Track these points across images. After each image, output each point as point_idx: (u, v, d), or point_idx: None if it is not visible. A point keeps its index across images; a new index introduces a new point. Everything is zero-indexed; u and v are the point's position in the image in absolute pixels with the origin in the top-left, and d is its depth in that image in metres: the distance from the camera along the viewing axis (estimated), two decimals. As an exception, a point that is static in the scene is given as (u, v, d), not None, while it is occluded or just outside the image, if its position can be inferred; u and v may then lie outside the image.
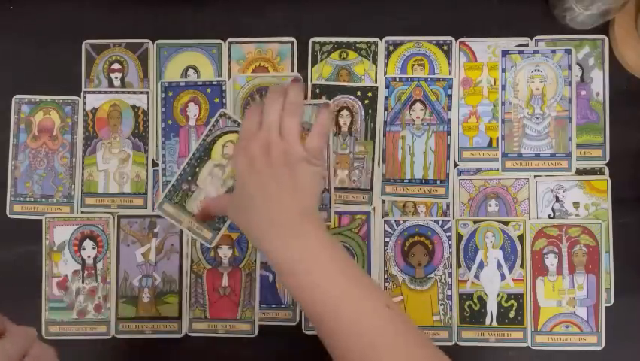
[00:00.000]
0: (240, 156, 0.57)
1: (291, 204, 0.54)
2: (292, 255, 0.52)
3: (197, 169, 0.63)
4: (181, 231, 0.64)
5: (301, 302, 0.52)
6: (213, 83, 0.65)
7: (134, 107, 0.65)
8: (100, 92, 0.66)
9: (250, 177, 0.55)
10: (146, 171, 0.65)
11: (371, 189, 0.64)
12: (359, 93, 0.64)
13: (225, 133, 0.63)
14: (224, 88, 0.65)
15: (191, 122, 0.65)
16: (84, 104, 0.66)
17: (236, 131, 0.63)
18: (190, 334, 0.64)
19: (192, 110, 0.65)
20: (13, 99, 0.66)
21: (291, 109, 0.57)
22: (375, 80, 0.65)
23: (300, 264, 0.52)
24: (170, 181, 0.64)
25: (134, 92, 0.65)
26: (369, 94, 0.64)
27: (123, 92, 0.66)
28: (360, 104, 0.64)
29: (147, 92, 0.65)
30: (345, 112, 0.64)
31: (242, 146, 0.57)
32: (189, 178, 0.63)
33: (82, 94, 0.66)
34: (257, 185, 0.55)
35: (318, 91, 0.64)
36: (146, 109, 0.65)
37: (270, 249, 0.53)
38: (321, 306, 0.51)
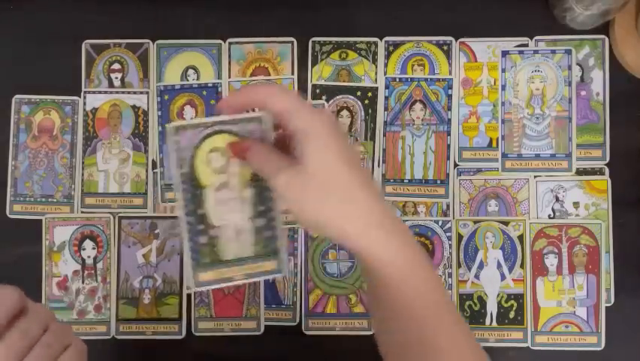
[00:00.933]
0: (335, 136, 0.43)
1: (386, 204, 0.45)
2: (398, 255, 0.44)
3: (199, 210, 0.45)
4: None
5: (393, 304, 0.44)
6: (209, 85, 0.65)
7: (134, 107, 0.65)
8: (100, 92, 0.66)
9: (348, 166, 0.43)
10: (146, 171, 0.65)
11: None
12: (359, 93, 0.64)
13: (200, 143, 0.45)
14: (220, 90, 0.65)
15: (189, 125, 0.65)
16: (84, 104, 0.65)
17: (220, 132, 0.45)
18: (196, 333, 0.64)
19: (189, 112, 0.65)
20: (13, 99, 0.66)
21: None
22: (375, 80, 0.65)
23: (406, 264, 0.44)
24: (169, 185, 0.64)
25: (134, 92, 0.65)
26: (369, 94, 0.64)
27: (123, 92, 0.66)
28: (360, 104, 0.64)
29: (147, 92, 0.65)
30: (345, 112, 0.64)
31: (333, 121, 0.44)
32: (201, 227, 0.45)
33: (82, 94, 0.66)
34: (353, 178, 0.43)
35: (318, 91, 0.64)
36: (146, 109, 0.65)
37: (369, 247, 0.43)
38: (417, 312, 0.44)
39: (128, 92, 0.66)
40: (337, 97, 0.64)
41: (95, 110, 0.65)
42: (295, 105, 0.43)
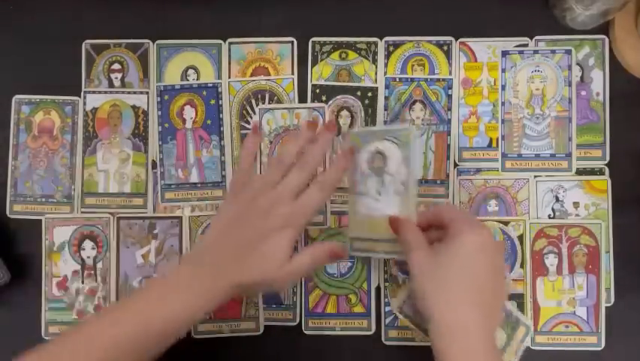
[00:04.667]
0: (493, 248, 0.52)
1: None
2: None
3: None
4: (181, 232, 0.64)
5: None
6: (209, 85, 0.65)
7: (134, 107, 0.65)
8: (100, 92, 0.66)
9: (492, 274, 0.52)
10: (146, 171, 0.65)
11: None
12: (359, 93, 0.64)
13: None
14: (220, 90, 0.65)
15: (188, 125, 0.65)
16: (84, 104, 0.65)
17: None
18: (195, 336, 0.64)
19: (189, 112, 0.65)
20: (13, 99, 0.66)
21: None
22: (375, 80, 0.65)
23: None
24: (169, 185, 0.64)
25: (134, 92, 0.65)
26: (369, 94, 0.64)
27: (123, 92, 0.66)
28: (360, 104, 0.64)
29: (147, 92, 0.65)
30: (345, 112, 0.64)
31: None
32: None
33: (82, 94, 0.66)
34: (488, 286, 0.51)
35: (317, 91, 0.64)
36: (146, 109, 0.65)
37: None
38: None
39: (128, 92, 0.66)
40: (337, 97, 0.64)
41: (95, 110, 0.65)
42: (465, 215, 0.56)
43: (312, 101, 0.64)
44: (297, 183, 0.55)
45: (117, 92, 0.66)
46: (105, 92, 0.66)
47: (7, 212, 0.65)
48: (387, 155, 0.57)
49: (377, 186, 0.58)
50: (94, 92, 0.66)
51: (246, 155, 0.61)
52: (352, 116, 0.64)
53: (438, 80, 0.64)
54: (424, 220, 0.56)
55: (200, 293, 0.51)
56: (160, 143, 0.65)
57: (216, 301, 0.52)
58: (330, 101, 0.64)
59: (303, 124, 0.61)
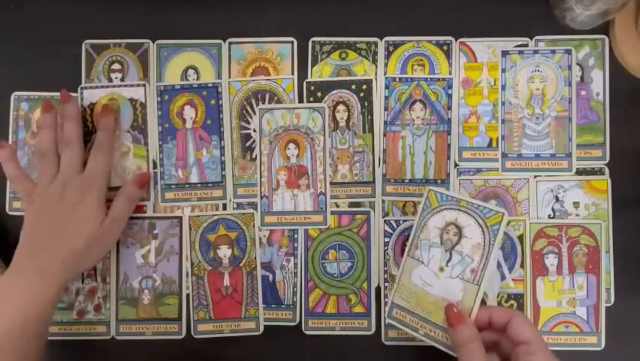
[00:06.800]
0: None
1: None
2: None
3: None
4: (181, 232, 0.64)
5: None
6: (209, 85, 0.65)
7: (131, 100, 0.65)
8: (97, 87, 0.65)
9: None
10: (147, 163, 0.65)
11: (374, 181, 0.63)
12: (353, 87, 0.64)
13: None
14: (220, 90, 0.65)
15: (188, 125, 0.65)
16: (81, 99, 0.65)
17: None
18: (195, 336, 0.63)
19: (189, 112, 0.65)
20: (12, 96, 0.65)
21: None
22: (375, 80, 0.64)
23: None
24: (169, 185, 0.64)
25: (130, 85, 0.65)
26: (364, 87, 0.64)
27: (120, 86, 0.65)
28: (355, 97, 0.64)
29: (144, 85, 0.65)
30: (341, 107, 0.64)
31: None
32: None
33: (79, 90, 0.65)
34: None
35: (312, 88, 0.64)
36: (143, 101, 0.65)
37: None
38: None
39: (125, 86, 0.65)
40: (332, 92, 0.64)
41: (92, 105, 0.65)
42: (542, 339, 0.50)
43: (308, 98, 0.64)
44: (73, 159, 0.59)
45: (114, 87, 0.65)
46: (102, 87, 0.65)
47: (7, 209, 0.65)
48: (464, 233, 0.51)
49: (442, 261, 0.52)
50: (91, 88, 0.65)
51: (6, 166, 0.61)
52: (349, 110, 0.64)
53: (438, 79, 0.64)
54: (486, 319, 0.52)
55: (33, 289, 0.54)
56: (160, 143, 0.65)
57: (55, 285, 0.55)
58: (326, 97, 0.64)
59: (40, 115, 0.63)
